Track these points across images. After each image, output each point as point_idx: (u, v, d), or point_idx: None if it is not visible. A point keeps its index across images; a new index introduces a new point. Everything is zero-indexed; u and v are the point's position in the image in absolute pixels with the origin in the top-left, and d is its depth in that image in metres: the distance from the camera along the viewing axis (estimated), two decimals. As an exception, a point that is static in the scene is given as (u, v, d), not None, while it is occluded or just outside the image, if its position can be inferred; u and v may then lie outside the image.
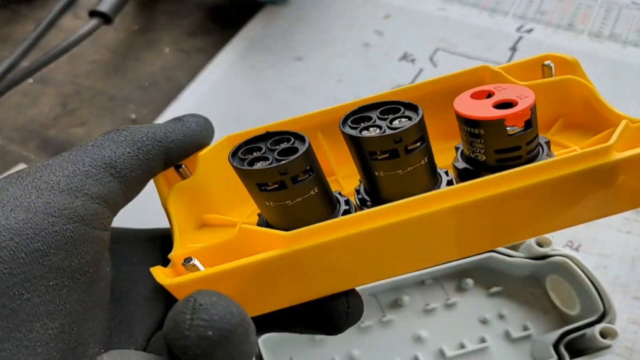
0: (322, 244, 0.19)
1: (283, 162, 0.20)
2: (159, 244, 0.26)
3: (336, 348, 0.32)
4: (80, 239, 0.19)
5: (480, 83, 0.24)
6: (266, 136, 0.22)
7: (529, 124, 0.21)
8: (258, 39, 0.52)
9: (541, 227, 0.21)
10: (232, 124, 0.45)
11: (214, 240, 0.23)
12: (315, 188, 0.21)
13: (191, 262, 0.20)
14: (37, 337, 0.18)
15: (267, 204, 0.21)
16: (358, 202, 0.23)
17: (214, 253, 0.21)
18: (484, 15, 0.51)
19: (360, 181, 0.23)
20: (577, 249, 0.36)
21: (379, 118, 0.21)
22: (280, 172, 0.20)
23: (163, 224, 0.25)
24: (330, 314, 0.21)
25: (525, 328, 0.32)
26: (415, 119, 0.20)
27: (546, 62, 0.24)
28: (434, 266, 0.33)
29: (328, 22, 0.52)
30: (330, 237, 0.19)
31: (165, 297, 0.24)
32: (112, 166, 0.21)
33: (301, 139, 0.21)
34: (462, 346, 0.32)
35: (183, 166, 0.24)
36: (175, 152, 0.23)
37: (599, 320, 0.30)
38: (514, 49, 0.48)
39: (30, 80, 0.51)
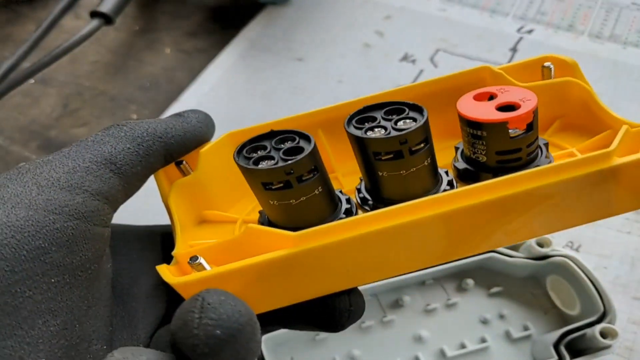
0: (329, 244, 0.19)
1: (289, 162, 0.20)
2: (159, 240, 0.26)
3: (337, 348, 0.33)
4: (81, 236, 0.19)
5: (481, 83, 0.25)
6: (271, 134, 0.22)
7: (531, 127, 0.21)
8: (259, 39, 0.52)
9: (541, 228, 0.22)
10: (232, 124, 0.44)
11: (215, 237, 0.23)
12: (319, 187, 0.21)
13: (197, 261, 0.20)
14: (39, 334, 0.18)
15: (271, 202, 0.21)
16: (359, 201, 0.23)
17: (219, 251, 0.21)
18: (485, 16, 0.51)
19: (361, 179, 0.23)
20: (577, 250, 0.36)
21: (383, 119, 0.21)
22: (286, 172, 0.20)
23: (162, 220, 0.25)
24: (333, 311, 0.22)
25: (526, 328, 0.32)
26: (421, 121, 0.20)
27: (546, 64, 0.24)
28: (436, 266, 0.33)
29: (329, 23, 0.52)
30: (338, 238, 0.19)
31: (166, 294, 0.24)
32: (112, 162, 0.21)
33: (306, 138, 0.21)
34: (463, 346, 0.32)
35: (184, 162, 0.24)
36: (176, 148, 0.23)
37: (599, 320, 0.30)
38: (514, 49, 0.48)
39: (32, 80, 0.51)
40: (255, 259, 0.19)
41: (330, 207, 0.22)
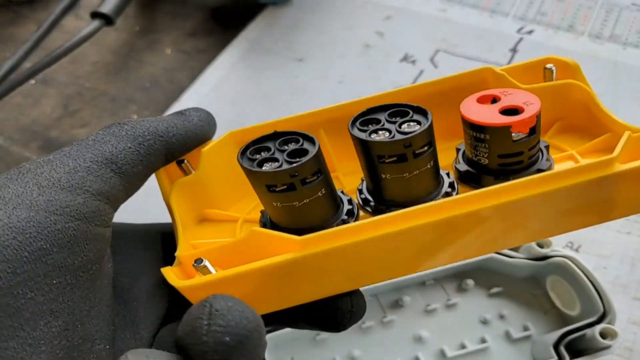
0: (334, 248, 0.20)
1: (294, 164, 0.20)
2: (159, 239, 0.26)
3: (337, 348, 0.33)
4: (82, 237, 0.19)
5: (483, 84, 0.25)
6: (274, 136, 0.22)
7: (533, 131, 0.21)
8: (259, 40, 0.52)
9: (542, 233, 0.22)
10: (233, 124, 0.44)
11: (217, 236, 0.24)
12: (323, 189, 0.21)
13: (202, 264, 0.20)
14: (40, 335, 0.18)
15: (274, 204, 0.21)
16: (360, 202, 0.23)
17: (223, 253, 0.21)
18: (485, 16, 0.51)
19: (362, 180, 0.24)
20: (577, 250, 0.36)
21: (387, 121, 0.21)
22: (291, 175, 0.20)
23: (162, 218, 0.25)
24: (335, 312, 0.22)
25: (526, 328, 0.32)
26: (425, 124, 0.20)
27: (548, 66, 0.24)
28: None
29: (329, 24, 0.52)
30: (343, 242, 0.19)
31: (167, 293, 0.24)
32: (113, 162, 0.21)
33: (310, 140, 0.21)
34: (463, 346, 0.32)
35: (185, 161, 0.24)
36: (177, 147, 0.23)
37: (599, 320, 0.30)
38: (514, 50, 0.48)
39: (33, 81, 0.51)
40: (261, 262, 0.20)
41: (332, 208, 0.22)
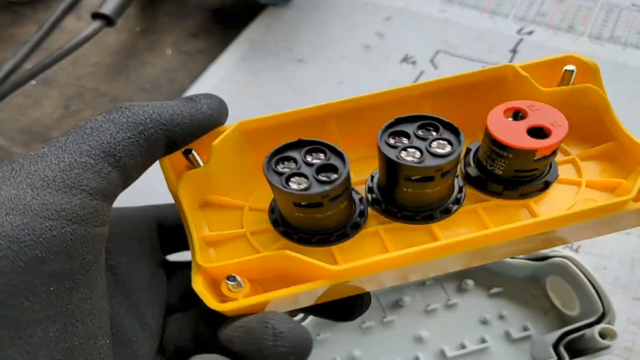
0: (367, 276, 0.20)
1: (327, 187, 0.20)
2: (155, 226, 0.25)
3: (337, 348, 0.33)
4: (80, 240, 0.19)
5: (503, 82, 0.24)
6: (299, 144, 0.21)
7: (555, 152, 0.21)
8: (260, 41, 0.52)
9: (556, 243, 0.23)
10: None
11: (223, 225, 0.24)
12: (346, 202, 0.21)
13: (236, 281, 0.20)
14: (37, 341, 0.17)
15: (297, 214, 0.21)
16: (370, 199, 0.23)
17: (250, 267, 0.21)
18: (485, 17, 0.51)
19: (372, 175, 0.24)
20: (576, 251, 0.36)
21: (416, 136, 0.21)
22: (322, 197, 0.20)
23: (155, 196, 0.25)
24: (344, 306, 0.23)
25: (526, 328, 0.32)
26: (457, 150, 0.20)
27: (569, 67, 0.24)
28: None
29: (329, 24, 0.52)
30: (374, 272, 0.20)
31: (165, 280, 0.24)
32: (112, 154, 0.20)
33: (338, 154, 0.21)
34: (463, 346, 0.32)
35: (193, 152, 0.23)
36: (180, 136, 0.22)
37: (599, 321, 0.30)
38: (514, 51, 0.48)
39: (33, 82, 0.51)
40: (299, 288, 0.20)
41: (349, 213, 0.23)
